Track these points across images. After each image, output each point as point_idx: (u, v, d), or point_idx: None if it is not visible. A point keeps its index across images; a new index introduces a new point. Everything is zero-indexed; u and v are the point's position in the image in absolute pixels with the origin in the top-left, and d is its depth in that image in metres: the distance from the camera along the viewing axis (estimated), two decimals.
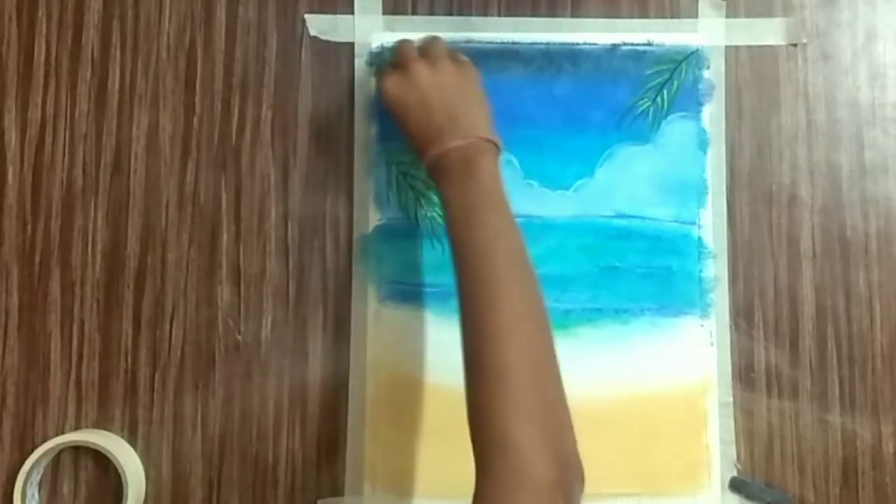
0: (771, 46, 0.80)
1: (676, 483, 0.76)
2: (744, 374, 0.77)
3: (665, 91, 0.79)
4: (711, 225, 0.78)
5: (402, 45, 0.73)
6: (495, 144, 0.68)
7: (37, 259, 0.77)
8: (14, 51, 0.78)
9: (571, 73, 0.79)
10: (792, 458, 0.76)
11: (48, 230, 0.77)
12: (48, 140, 0.78)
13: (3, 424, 0.75)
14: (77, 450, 0.75)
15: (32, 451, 0.73)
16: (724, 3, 0.80)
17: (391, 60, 0.74)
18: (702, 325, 0.77)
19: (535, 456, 0.55)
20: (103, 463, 0.74)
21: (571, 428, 0.58)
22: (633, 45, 0.79)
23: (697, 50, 0.79)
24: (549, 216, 0.78)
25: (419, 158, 0.70)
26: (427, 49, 0.72)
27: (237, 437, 0.75)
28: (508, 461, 0.55)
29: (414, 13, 0.79)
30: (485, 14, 0.79)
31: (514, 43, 0.79)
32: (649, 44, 0.79)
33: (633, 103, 0.79)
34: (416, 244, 0.78)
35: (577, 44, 0.79)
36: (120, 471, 0.72)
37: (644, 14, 0.80)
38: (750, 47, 0.80)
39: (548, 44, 0.79)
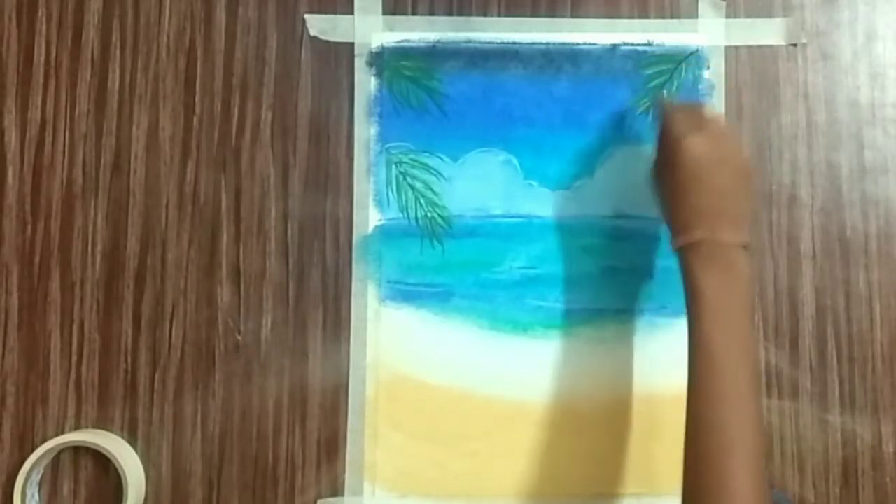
0: (771, 46, 0.80)
1: (677, 483, 0.75)
2: None
3: (665, 91, 0.79)
4: None
5: (693, 105, 0.72)
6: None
7: (36, 259, 0.77)
8: (14, 51, 0.78)
9: (571, 73, 0.79)
10: (792, 458, 0.76)
11: (48, 230, 0.77)
12: (48, 140, 0.78)
13: (3, 425, 0.75)
14: (77, 450, 0.75)
15: (32, 451, 0.73)
16: (724, 3, 0.80)
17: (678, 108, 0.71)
18: None
19: None
20: (103, 463, 0.74)
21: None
22: (633, 45, 0.79)
23: (697, 50, 0.79)
24: (550, 216, 0.78)
25: (675, 227, 0.67)
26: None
27: (237, 438, 0.76)
28: None
29: (414, 13, 0.79)
30: (485, 14, 0.79)
31: (514, 43, 0.79)
32: (649, 44, 0.79)
33: (633, 103, 0.79)
34: (416, 244, 0.78)
35: (577, 44, 0.79)
36: (120, 471, 0.72)
37: (644, 14, 0.80)
38: (750, 47, 0.80)
39: (548, 44, 0.79)
